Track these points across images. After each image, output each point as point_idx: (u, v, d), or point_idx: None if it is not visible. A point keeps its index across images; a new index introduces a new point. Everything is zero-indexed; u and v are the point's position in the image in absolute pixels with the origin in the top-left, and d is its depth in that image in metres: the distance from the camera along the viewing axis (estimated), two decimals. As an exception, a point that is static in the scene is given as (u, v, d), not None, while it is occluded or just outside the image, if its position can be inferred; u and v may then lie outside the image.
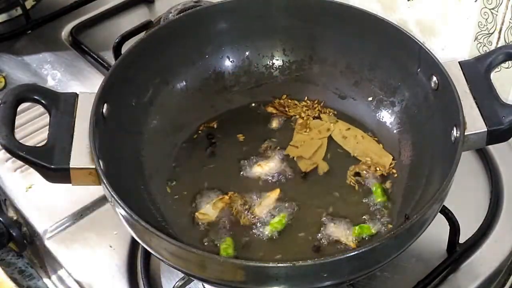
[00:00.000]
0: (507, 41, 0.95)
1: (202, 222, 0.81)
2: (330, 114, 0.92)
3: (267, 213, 0.82)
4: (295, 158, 0.87)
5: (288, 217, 0.81)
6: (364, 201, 0.83)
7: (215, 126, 0.91)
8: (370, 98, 0.91)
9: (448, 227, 0.84)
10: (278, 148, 0.89)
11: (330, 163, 0.87)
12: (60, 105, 0.77)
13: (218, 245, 0.78)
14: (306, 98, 0.94)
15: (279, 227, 0.80)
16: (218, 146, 0.89)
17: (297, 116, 0.92)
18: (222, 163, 0.88)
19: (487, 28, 0.96)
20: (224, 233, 0.80)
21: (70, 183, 0.74)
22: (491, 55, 0.80)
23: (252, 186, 0.85)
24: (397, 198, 0.83)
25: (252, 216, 0.81)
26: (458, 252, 0.85)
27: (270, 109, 0.93)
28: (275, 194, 0.83)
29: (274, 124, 0.92)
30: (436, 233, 0.79)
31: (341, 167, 0.87)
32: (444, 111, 0.79)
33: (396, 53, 0.86)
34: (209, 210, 0.82)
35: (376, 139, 0.89)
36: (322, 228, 0.80)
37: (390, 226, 0.80)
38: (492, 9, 0.93)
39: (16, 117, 0.75)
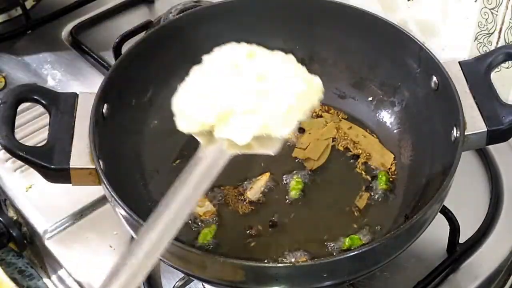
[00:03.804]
0: (507, 41, 0.95)
1: (201, 220, 0.81)
2: (340, 115, 0.92)
3: (258, 194, 0.83)
4: (302, 160, 0.88)
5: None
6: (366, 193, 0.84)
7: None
8: (370, 98, 0.91)
9: (448, 227, 0.84)
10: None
11: (333, 161, 0.88)
12: (60, 105, 0.77)
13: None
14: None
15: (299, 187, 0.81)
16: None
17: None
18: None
19: (487, 28, 0.96)
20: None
21: (70, 183, 0.74)
22: (491, 55, 0.80)
23: (250, 176, 0.86)
24: (397, 198, 0.83)
25: (247, 203, 0.83)
26: (458, 252, 0.85)
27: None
28: (265, 177, 0.85)
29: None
30: (436, 233, 0.79)
31: (342, 165, 0.87)
32: (444, 111, 0.79)
33: (396, 53, 0.86)
34: (209, 206, 0.82)
35: (375, 136, 0.89)
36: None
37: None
38: (492, 9, 0.93)
39: (16, 117, 0.75)
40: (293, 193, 0.83)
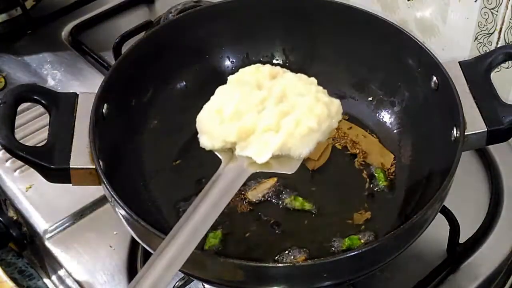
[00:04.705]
0: (507, 41, 0.95)
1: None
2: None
3: (259, 196, 0.83)
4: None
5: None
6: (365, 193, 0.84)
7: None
8: (370, 98, 0.91)
9: (448, 227, 0.84)
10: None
11: (333, 161, 0.88)
12: (60, 105, 0.77)
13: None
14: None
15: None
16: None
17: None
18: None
19: (487, 28, 0.96)
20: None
21: (70, 183, 0.74)
22: (491, 55, 0.80)
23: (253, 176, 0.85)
24: (397, 198, 0.83)
25: (246, 203, 0.83)
26: (458, 252, 0.85)
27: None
28: (272, 181, 0.84)
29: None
30: (436, 233, 0.79)
31: (342, 165, 0.87)
32: (444, 111, 0.79)
33: (396, 53, 0.86)
34: None
35: (375, 136, 0.89)
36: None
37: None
38: (492, 9, 0.93)
39: (16, 117, 0.75)
40: (291, 200, 0.83)
